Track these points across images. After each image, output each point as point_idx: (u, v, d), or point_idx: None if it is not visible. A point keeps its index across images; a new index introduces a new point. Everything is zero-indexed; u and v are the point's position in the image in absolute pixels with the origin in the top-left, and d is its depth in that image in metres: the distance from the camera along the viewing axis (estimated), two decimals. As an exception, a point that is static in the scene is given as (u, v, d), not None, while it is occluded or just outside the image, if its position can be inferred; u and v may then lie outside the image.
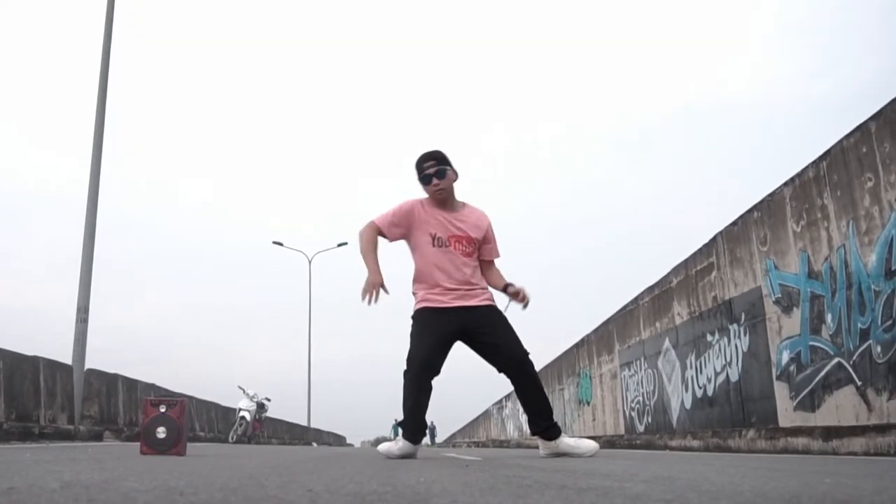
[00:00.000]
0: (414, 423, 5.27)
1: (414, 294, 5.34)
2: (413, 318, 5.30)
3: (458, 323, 5.16)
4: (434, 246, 5.24)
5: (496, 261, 5.53)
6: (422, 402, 5.21)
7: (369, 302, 5.07)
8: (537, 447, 5.54)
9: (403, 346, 5.26)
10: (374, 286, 5.10)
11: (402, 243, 5.37)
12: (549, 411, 5.29)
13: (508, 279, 5.46)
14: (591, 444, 5.39)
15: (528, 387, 5.22)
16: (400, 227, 5.29)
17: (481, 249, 5.41)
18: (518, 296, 5.32)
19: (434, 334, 5.15)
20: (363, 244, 5.28)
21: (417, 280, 5.31)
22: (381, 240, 5.32)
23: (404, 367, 5.17)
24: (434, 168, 5.22)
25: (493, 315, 5.25)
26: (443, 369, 5.24)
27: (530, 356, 5.23)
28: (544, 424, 5.26)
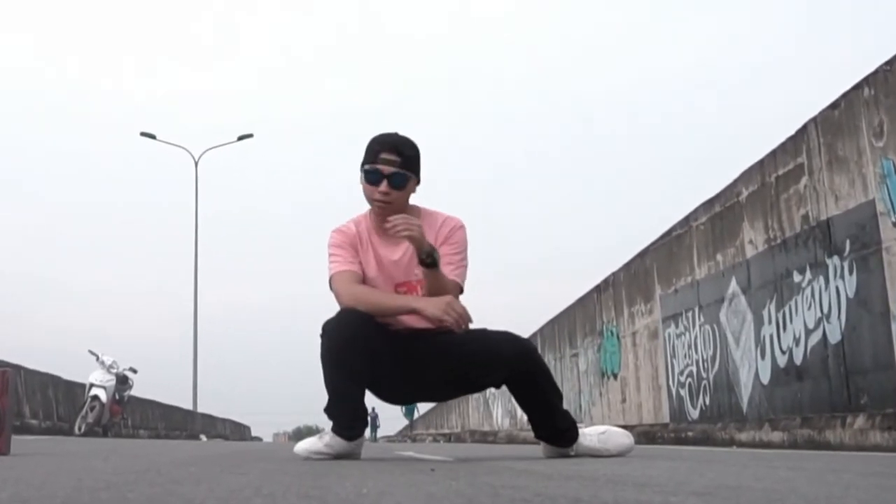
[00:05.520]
0: (343, 409, 5.29)
1: None
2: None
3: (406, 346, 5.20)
4: None
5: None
6: (353, 377, 5.22)
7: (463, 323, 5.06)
8: (537, 442, 5.60)
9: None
10: (451, 303, 5.04)
11: None
12: (561, 409, 5.36)
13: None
14: (624, 439, 5.44)
15: (536, 386, 5.28)
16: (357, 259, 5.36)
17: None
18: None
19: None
20: (363, 295, 5.22)
21: None
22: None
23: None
24: (392, 168, 5.20)
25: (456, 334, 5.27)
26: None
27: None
28: (553, 430, 5.33)
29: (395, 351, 5.14)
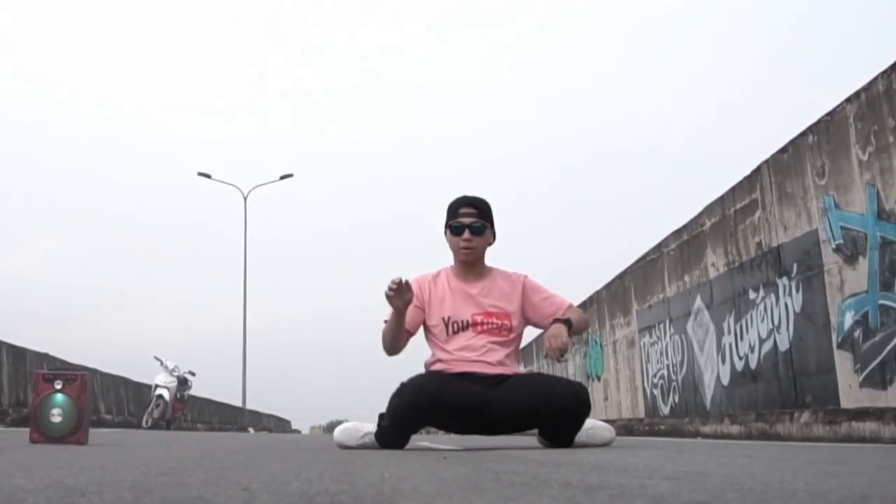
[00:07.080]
0: (393, 433, 5.08)
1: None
2: None
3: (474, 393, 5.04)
4: (449, 333, 5.26)
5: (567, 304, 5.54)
6: (414, 425, 5.18)
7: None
8: (533, 434, 5.56)
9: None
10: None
11: None
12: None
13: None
14: (607, 433, 5.41)
15: (576, 421, 5.20)
16: (418, 309, 5.28)
17: (535, 318, 5.43)
18: (548, 348, 5.17)
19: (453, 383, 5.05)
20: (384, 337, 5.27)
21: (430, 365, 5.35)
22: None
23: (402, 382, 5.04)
24: (471, 219, 5.28)
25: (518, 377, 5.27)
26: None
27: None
28: (556, 437, 5.26)
29: (459, 396, 4.93)
